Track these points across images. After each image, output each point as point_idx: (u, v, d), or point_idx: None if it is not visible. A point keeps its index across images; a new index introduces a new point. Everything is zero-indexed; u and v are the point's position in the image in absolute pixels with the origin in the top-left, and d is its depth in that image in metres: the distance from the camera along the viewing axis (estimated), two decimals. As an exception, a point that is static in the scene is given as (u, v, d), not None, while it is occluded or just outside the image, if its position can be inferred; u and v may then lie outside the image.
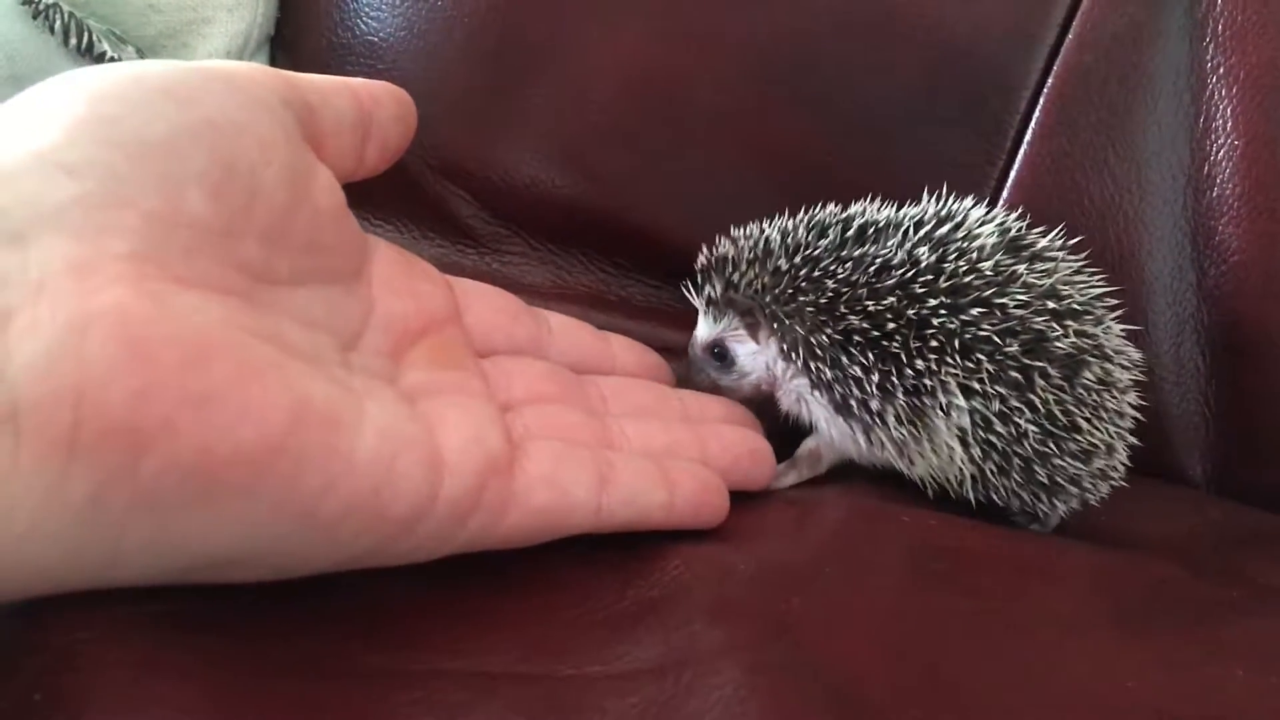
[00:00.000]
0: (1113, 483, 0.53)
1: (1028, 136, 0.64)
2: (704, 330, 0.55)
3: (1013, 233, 0.50)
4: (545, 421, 0.42)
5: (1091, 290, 0.51)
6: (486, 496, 0.35)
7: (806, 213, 0.53)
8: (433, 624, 0.35)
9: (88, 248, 0.27)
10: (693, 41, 0.65)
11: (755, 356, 0.54)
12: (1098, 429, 0.50)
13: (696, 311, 0.56)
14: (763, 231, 0.53)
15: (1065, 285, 0.50)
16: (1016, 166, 0.64)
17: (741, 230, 0.54)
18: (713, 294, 0.54)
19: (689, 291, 0.55)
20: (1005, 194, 0.64)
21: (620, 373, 0.51)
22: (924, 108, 0.64)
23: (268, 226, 0.33)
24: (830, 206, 0.53)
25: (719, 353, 0.55)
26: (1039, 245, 0.51)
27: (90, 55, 0.60)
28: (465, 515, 0.34)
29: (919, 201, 0.53)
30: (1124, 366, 0.51)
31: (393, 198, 0.66)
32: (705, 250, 0.54)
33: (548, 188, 0.65)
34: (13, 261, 0.25)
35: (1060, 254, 0.51)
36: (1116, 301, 0.52)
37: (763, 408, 0.55)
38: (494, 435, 0.36)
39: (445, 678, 0.33)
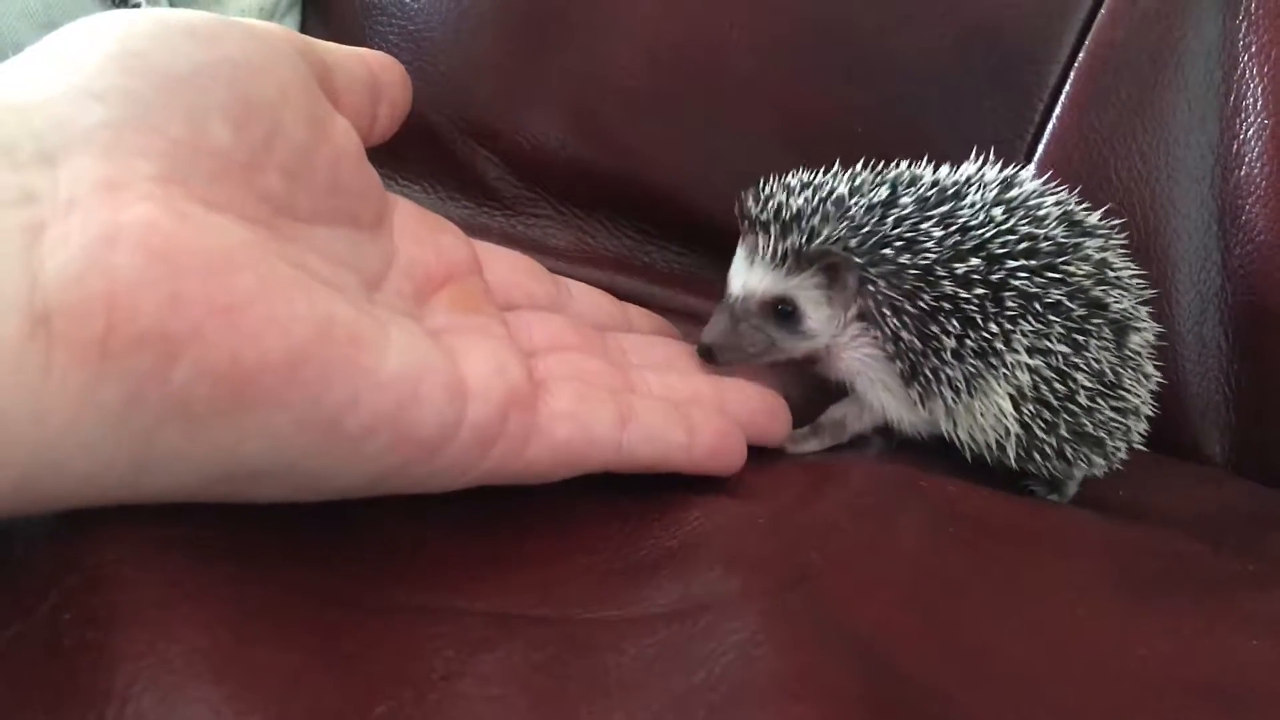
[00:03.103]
0: (1133, 446, 0.54)
1: (1057, 110, 0.64)
2: (768, 282, 0.48)
3: (1069, 206, 0.51)
4: (567, 367, 0.42)
5: (1130, 267, 0.52)
6: (509, 426, 0.35)
7: (844, 168, 0.50)
8: (454, 564, 0.36)
9: (116, 167, 0.27)
10: (723, 9, 0.65)
11: (829, 319, 0.49)
12: (1137, 390, 0.51)
13: (721, 277, 0.51)
14: (813, 184, 0.48)
15: (1116, 259, 0.51)
16: (1045, 140, 0.64)
17: (779, 180, 0.49)
18: (795, 244, 0.47)
19: (750, 221, 0.48)
20: (1033, 167, 0.64)
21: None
22: (955, 79, 0.63)
23: (289, 162, 0.33)
24: (859, 167, 0.51)
25: (785, 310, 0.49)
26: (1089, 222, 0.51)
27: (125, 6, 0.61)
28: (488, 443, 0.35)
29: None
30: (1149, 336, 0.52)
31: (421, 158, 0.66)
32: (759, 197, 0.48)
33: (575, 152, 0.65)
34: (44, 180, 0.26)
35: (1107, 231, 0.52)
36: (1143, 272, 0.53)
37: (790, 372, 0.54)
38: (516, 369, 0.37)
39: (466, 615, 0.33)
